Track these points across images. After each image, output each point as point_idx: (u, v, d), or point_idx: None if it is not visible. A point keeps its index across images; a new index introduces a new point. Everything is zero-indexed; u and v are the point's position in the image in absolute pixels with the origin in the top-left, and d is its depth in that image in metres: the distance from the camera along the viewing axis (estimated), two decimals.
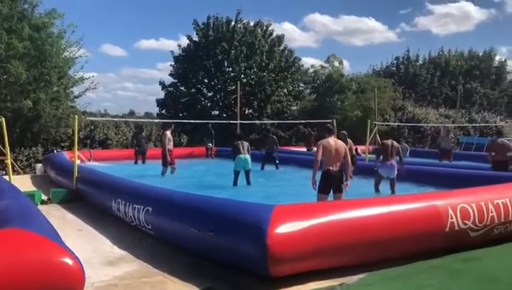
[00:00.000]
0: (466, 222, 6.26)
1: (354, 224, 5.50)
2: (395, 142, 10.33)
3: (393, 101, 29.59)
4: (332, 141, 7.32)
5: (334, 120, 18.16)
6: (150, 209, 6.92)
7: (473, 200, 6.52)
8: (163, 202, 6.97)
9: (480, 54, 40.76)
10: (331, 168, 7.20)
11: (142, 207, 7.13)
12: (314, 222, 5.22)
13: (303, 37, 57.75)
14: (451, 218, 6.18)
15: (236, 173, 11.59)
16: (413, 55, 39.89)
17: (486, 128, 30.43)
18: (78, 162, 11.57)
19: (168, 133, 13.44)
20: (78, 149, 13.37)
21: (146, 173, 13.25)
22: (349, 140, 11.49)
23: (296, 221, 5.11)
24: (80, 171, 11.01)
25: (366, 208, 5.81)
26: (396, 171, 9.90)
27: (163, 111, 28.88)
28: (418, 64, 39.39)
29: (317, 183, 7.30)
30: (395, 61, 39.70)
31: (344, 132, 11.94)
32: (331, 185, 7.21)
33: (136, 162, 16.01)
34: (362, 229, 5.48)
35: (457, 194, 6.69)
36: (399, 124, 27.07)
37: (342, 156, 7.31)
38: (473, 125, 29.80)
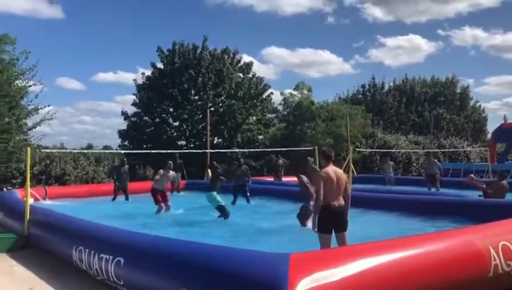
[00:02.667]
0: (510, 263, 5.24)
1: (389, 272, 4.35)
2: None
3: (364, 128, 29.19)
4: (331, 170, 6.05)
5: (312, 148, 17.33)
6: (122, 260, 5.54)
7: None
8: (140, 251, 5.57)
9: (443, 80, 41.59)
10: (332, 203, 5.92)
11: (111, 257, 5.74)
12: (342, 273, 4.08)
13: (262, 69, 58.36)
14: (494, 259, 5.14)
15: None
16: (379, 82, 40.23)
17: (455, 153, 30.43)
18: (31, 201, 9.95)
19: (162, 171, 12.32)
20: (31, 186, 11.72)
21: (121, 212, 11.82)
22: (315, 167, 10.61)
23: (321, 272, 3.96)
24: (33, 212, 9.36)
25: (396, 252, 4.66)
26: None
27: (126, 142, 27.24)
28: (384, 91, 39.64)
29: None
30: (361, 89, 39.82)
31: (310, 158, 11.00)
32: (332, 222, 5.94)
33: (114, 199, 14.34)
34: (399, 278, 4.34)
35: (496, 229, 5.68)
36: (372, 150, 26.59)
37: (343, 188, 6.09)
38: (442, 150, 29.71)
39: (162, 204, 12.02)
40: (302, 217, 9.21)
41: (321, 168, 6.18)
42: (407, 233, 6.64)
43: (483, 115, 42.96)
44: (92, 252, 6.27)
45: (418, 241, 5.22)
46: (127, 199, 14.36)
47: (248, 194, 13.83)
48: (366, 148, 26.78)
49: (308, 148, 18.07)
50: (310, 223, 8.99)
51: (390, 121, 36.91)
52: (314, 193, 9.41)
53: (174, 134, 27.44)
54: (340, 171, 6.24)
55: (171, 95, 26.40)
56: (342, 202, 5.99)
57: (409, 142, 30.80)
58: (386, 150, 27.13)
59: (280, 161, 20.26)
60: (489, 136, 40.71)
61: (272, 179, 19.82)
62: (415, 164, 28.90)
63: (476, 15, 67.81)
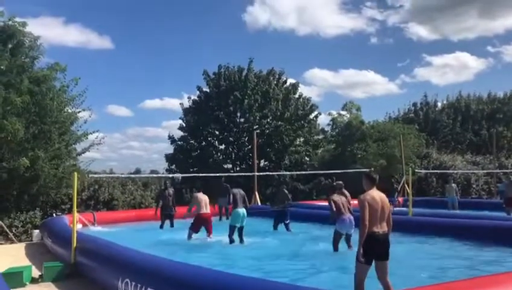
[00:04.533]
0: None
1: None
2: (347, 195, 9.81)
3: (418, 149, 27.79)
4: (376, 194, 5.58)
5: (367, 171, 16.42)
6: None
7: None
8: (194, 287, 4.99)
9: (501, 96, 39.34)
10: (376, 230, 5.40)
11: None
12: None
13: (305, 91, 58.12)
14: None
15: (233, 229, 10.60)
16: (432, 101, 38.52)
17: None
18: (79, 227, 9.67)
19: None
20: (80, 212, 11.52)
21: (170, 241, 11.30)
22: (346, 192, 10.00)
23: None
24: (80, 239, 9.04)
25: None
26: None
27: (173, 166, 27.20)
28: (437, 109, 37.89)
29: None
30: (413, 108, 38.21)
31: (340, 182, 10.27)
32: (376, 252, 5.38)
33: (161, 227, 13.78)
34: None
35: None
36: (428, 171, 25.14)
37: (387, 214, 5.56)
38: (504, 171, 27.72)
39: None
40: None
41: (364, 192, 5.64)
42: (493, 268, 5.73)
43: None
44: (139, 285, 5.76)
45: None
46: (172, 225, 13.82)
47: (287, 221, 12.79)
48: (421, 170, 25.38)
49: (361, 169, 17.13)
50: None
51: (445, 141, 35.00)
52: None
53: (221, 157, 27.15)
54: (384, 196, 5.69)
55: (217, 118, 26.23)
56: (385, 228, 5.50)
57: (467, 163, 28.99)
58: (443, 171, 25.59)
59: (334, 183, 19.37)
60: None
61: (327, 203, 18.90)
62: (474, 186, 27.11)
63: None
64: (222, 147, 27.37)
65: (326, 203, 18.97)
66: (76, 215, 9.46)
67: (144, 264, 6.39)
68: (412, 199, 14.82)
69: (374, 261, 5.42)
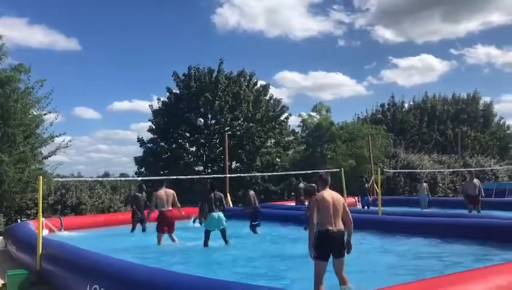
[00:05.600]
0: None
1: None
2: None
3: (386, 149, 28.35)
4: (328, 194, 5.84)
5: (338, 170, 16.59)
6: None
7: None
8: None
9: (465, 97, 40.57)
10: (330, 228, 5.66)
11: None
12: None
13: (276, 93, 58.44)
14: None
15: (207, 233, 10.35)
16: (399, 101, 39.40)
17: (482, 172, 29.22)
18: (45, 232, 9.36)
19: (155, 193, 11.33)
20: (46, 217, 11.18)
21: (142, 245, 11.03)
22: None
23: None
24: (46, 245, 8.76)
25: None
26: None
27: (143, 169, 26.79)
28: (404, 110, 38.77)
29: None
30: (381, 109, 38.97)
31: (313, 185, 10.36)
32: (330, 248, 5.66)
33: (132, 231, 13.44)
34: None
35: None
36: (396, 171, 25.66)
37: (341, 212, 5.80)
38: (468, 170, 28.55)
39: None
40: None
41: (321, 193, 5.92)
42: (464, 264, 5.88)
43: (508, 132, 41.57)
44: None
45: (482, 275, 4.45)
46: (144, 229, 13.52)
47: (256, 222, 12.68)
48: (389, 169, 25.87)
49: (331, 170, 17.31)
50: None
51: (413, 141, 35.86)
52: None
53: (192, 159, 26.92)
54: (337, 194, 5.96)
55: (188, 120, 26.02)
56: (340, 226, 5.74)
57: (433, 162, 29.74)
58: (410, 170, 26.19)
59: (301, 184, 19.54)
60: None
61: (294, 204, 19.07)
62: (440, 184, 27.82)
63: (487, 33, 67.17)
64: (193, 149, 27.15)
65: (294, 204, 19.32)
66: (42, 220, 9.18)
67: (113, 270, 6.23)
68: (381, 198, 15.06)
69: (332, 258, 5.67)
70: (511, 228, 9.53)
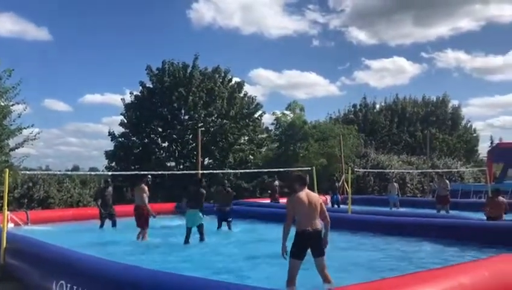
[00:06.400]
0: None
1: None
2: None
3: (356, 149, 28.80)
4: (304, 194, 5.88)
5: (310, 169, 16.74)
6: None
7: None
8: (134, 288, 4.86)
9: (434, 100, 41.59)
10: (306, 228, 5.71)
11: None
12: None
13: (250, 90, 58.57)
14: None
15: (186, 230, 10.45)
16: (370, 102, 40.07)
17: (449, 174, 30.02)
18: (11, 226, 9.12)
19: (145, 187, 11.22)
20: (12, 210, 10.90)
21: (110, 240, 10.88)
22: None
23: None
24: (11, 240, 8.55)
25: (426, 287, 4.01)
26: None
27: (113, 164, 26.36)
28: (375, 111, 39.44)
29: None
30: (353, 109, 39.54)
31: (276, 182, 10.49)
32: (306, 248, 5.74)
33: (101, 226, 13.10)
34: None
35: None
36: (366, 170, 26.08)
37: (318, 212, 5.87)
38: (436, 171, 29.32)
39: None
40: None
41: (296, 193, 5.96)
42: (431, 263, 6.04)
43: (475, 135, 42.92)
44: (75, 287, 5.54)
45: (446, 274, 4.58)
46: (114, 225, 13.26)
47: (230, 219, 12.68)
48: (359, 169, 26.28)
49: (304, 168, 17.47)
50: None
51: (383, 141, 36.56)
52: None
53: (163, 155, 26.65)
54: (314, 194, 6.04)
55: (161, 115, 25.72)
56: (317, 226, 5.80)
57: (402, 162, 30.38)
58: (380, 170, 26.68)
59: (276, 182, 19.70)
60: (481, 156, 40.66)
61: (269, 201, 19.18)
62: (409, 185, 28.44)
63: (457, 38, 69.25)
64: (165, 144, 26.86)
65: (269, 201, 19.44)
66: (7, 213, 8.95)
67: (80, 265, 6.12)
68: (351, 197, 15.28)
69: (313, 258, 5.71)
70: (476, 228, 9.85)
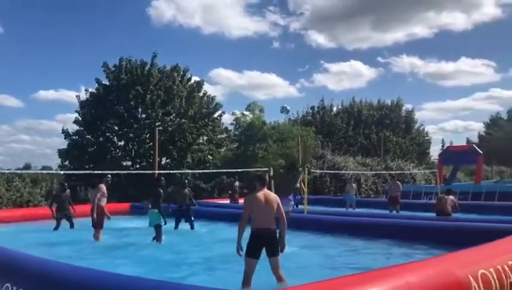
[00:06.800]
0: None
1: None
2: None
3: (314, 150, 29.28)
4: (261, 194, 5.98)
5: (267, 169, 16.88)
6: None
7: (490, 264, 5.24)
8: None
9: (389, 104, 42.89)
10: (261, 227, 5.81)
11: None
12: None
13: (210, 90, 58.23)
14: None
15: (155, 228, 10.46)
16: (328, 105, 40.85)
17: (401, 175, 31.05)
18: None
19: (104, 186, 10.93)
20: None
21: (62, 240, 10.53)
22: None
23: None
24: None
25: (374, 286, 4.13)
26: None
27: (67, 163, 25.58)
28: (332, 114, 40.24)
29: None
30: (311, 111, 40.19)
31: (237, 182, 10.68)
32: (261, 247, 5.81)
33: (56, 228, 12.66)
34: None
35: (474, 256, 5.35)
36: (323, 171, 26.55)
37: (275, 212, 5.95)
38: (389, 172, 30.23)
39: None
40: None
41: (256, 192, 6.05)
42: (382, 262, 6.22)
43: (427, 138, 44.62)
44: None
45: (394, 273, 4.74)
46: (72, 226, 12.89)
47: (193, 218, 12.76)
48: (316, 170, 26.73)
49: (262, 169, 17.59)
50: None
51: (339, 143, 37.35)
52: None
53: (119, 154, 26.11)
54: (272, 194, 6.11)
55: (117, 113, 25.19)
56: (272, 225, 5.90)
57: (357, 164, 31.13)
58: (336, 171, 27.23)
59: (237, 182, 19.75)
60: (433, 158, 42.32)
61: (229, 202, 19.16)
62: (364, 186, 29.16)
63: (412, 44, 71.37)
64: (121, 143, 26.32)
65: (227, 202, 19.43)
66: None
67: (27, 267, 5.89)
68: (308, 198, 15.51)
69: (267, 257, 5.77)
70: (425, 228, 10.24)
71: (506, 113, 56.58)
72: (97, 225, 10.65)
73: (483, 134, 54.52)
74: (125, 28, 63.69)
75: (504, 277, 5.23)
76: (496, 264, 5.30)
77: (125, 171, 21.64)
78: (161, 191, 10.77)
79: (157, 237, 10.38)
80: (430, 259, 5.37)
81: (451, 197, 12.75)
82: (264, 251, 5.86)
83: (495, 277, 5.08)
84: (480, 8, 71.88)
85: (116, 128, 25.94)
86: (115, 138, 26.32)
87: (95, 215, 10.50)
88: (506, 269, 5.36)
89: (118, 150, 26.24)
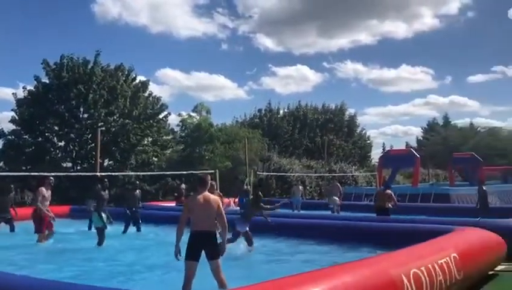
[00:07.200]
0: None
1: None
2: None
3: (260, 152, 29.56)
4: (201, 196, 5.92)
5: (212, 171, 16.87)
6: None
7: (422, 263, 5.53)
8: None
9: (333, 108, 44.09)
10: (200, 229, 5.77)
11: None
12: None
13: (156, 90, 57.24)
14: (407, 288, 5.05)
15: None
16: (275, 108, 41.35)
17: (344, 177, 32.03)
18: None
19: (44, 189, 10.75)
20: None
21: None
22: (217, 192, 10.62)
23: None
24: None
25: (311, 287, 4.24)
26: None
27: (1, 164, 24.31)
28: (279, 116, 40.79)
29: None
30: (258, 114, 40.54)
31: (212, 182, 10.79)
32: (200, 249, 5.77)
33: None
34: None
35: (407, 256, 5.62)
36: (269, 173, 26.87)
37: (215, 214, 5.92)
38: (333, 175, 31.09)
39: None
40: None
41: (196, 194, 6.01)
42: (317, 264, 6.37)
43: (368, 141, 46.32)
44: None
45: (327, 274, 4.86)
46: (12, 230, 12.40)
47: (140, 221, 12.73)
48: (262, 172, 27.01)
49: (207, 171, 17.53)
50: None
51: (285, 146, 37.94)
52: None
53: (59, 155, 25.13)
54: (212, 197, 6.06)
55: (57, 112, 24.22)
56: (212, 228, 5.87)
57: (303, 166, 31.80)
58: (281, 174, 27.66)
59: (183, 184, 19.53)
60: (373, 161, 43.91)
61: (174, 205, 18.85)
62: (308, 188, 29.79)
63: (356, 51, 73.67)
64: (62, 143, 25.34)
65: (173, 205, 19.15)
66: None
67: None
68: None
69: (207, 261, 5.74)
70: (363, 229, 10.61)
71: (442, 119, 59.78)
72: (39, 229, 10.48)
73: (421, 138, 57.18)
74: (67, 25, 61.17)
75: (434, 275, 5.53)
76: (427, 263, 5.58)
77: (64, 173, 20.83)
78: (103, 193, 10.56)
79: (99, 240, 10.13)
80: (365, 259, 5.58)
81: (389, 191, 13.32)
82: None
83: (426, 275, 5.36)
84: (420, 18, 75.30)
85: (56, 128, 24.95)
86: (55, 138, 25.33)
87: (52, 216, 10.58)
88: (437, 267, 5.67)
89: (57, 151, 25.29)
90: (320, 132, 40.65)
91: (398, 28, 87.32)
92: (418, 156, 25.92)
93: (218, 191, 10.89)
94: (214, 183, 10.81)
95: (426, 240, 6.75)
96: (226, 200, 20.76)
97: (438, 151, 46.87)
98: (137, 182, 15.07)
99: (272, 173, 27.60)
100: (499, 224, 9.28)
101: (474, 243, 7.19)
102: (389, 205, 13.02)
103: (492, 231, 8.04)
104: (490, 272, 7.35)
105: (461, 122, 60.97)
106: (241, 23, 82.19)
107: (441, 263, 5.84)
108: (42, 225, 10.50)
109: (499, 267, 7.67)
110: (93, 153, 22.10)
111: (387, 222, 11.46)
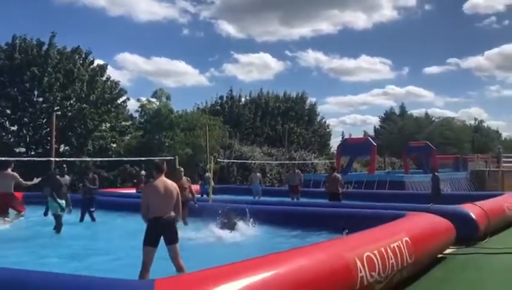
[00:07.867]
0: (373, 273, 5.37)
1: None
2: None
3: (222, 140, 29.50)
4: (160, 182, 5.93)
5: (172, 158, 16.71)
6: None
7: (375, 247, 5.72)
8: None
9: (294, 96, 44.43)
10: (158, 215, 5.79)
11: None
12: None
13: (115, 75, 55.67)
14: (361, 271, 5.21)
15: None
16: (236, 95, 41.22)
17: (304, 165, 32.48)
18: None
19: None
20: None
21: None
22: (185, 178, 10.58)
23: None
24: None
25: (262, 272, 4.30)
26: None
27: None
28: (241, 104, 40.73)
29: None
30: (219, 101, 40.32)
31: (180, 168, 10.80)
32: (159, 235, 5.80)
33: None
34: None
35: (360, 239, 5.80)
36: (230, 161, 26.88)
37: (174, 200, 5.96)
38: (293, 162, 31.46)
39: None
40: None
41: (153, 180, 6.03)
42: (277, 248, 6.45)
43: (328, 130, 47.11)
44: None
45: (284, 258, 4.96)
46: None
47: (93, 209, 11.96)
48: (224, 159, 26.99)
49: (167, 158, 17.35)
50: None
51: (247, 133, 37.99)
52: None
53: (12, 140, 24.22)
54: (170, 182, 6.07)
55: (9, 95, 23.30)
56: (170, 214, 5.88)
57: (264, 154, 31.99)
58: (243, 161, 27.75)
59: (143, 171, 19.18)
60: (332, 149, 44.75)
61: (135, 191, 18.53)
62: (268, 175, 30.04)
63: (317, 40, 74.67)
64: (14, 128, 24.44)
65: (132, 191, 18.85)
66: None
67: None
68: (214, 187, 15.61)
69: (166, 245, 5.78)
70: (318, 215, 10.85)
71: (398, 109, 61.56)
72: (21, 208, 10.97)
73: (379, 127, 58.67)
74: (21, 4, 58.55)
75: (387, 259, 5.73)
76: (380, 247, 5.77)
77: (17, 158, 20.08)
78: (62, 179, 10.39)
79: (57, 227, 9.91)
80: (321, 243, 5.73)
81: (336, 174, 13.71)
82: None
83: (378, 258, 5.55)
84: (379, 10, 77.21)
85: (8, 111, 24.03)
86: (7, 122, 24.44)
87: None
88: (389, 251, 5.87)
89: (10, 136, 24.38)
90: (282, 120, 40.93)
91: (358, 19, 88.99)
92: (374, 144, 26.61)
93: (186, 177, 10.75)
94: (181, 169, 10.79)
95: (379, 225, 6.99)
96: (195, 187, 20.68)
97: (394, 140, 48.37)
98: (94, 169, 14.54)
99: (233, 161, 27.62)
100: (449, 210, 9.69)
101: (425, 228, 7.48)
102: (340, 189, 13.37)
103: (442, 216, 8.39)
104: (439, 255, 7.69)
105: (417, 112, 63.10)
106: (202, 8, 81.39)
107: (393, 246, 6.05)
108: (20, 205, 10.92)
109: (447, 251, 8.03)
110: (48, 138, 21.44)
111: (339, 207, 11.75)
